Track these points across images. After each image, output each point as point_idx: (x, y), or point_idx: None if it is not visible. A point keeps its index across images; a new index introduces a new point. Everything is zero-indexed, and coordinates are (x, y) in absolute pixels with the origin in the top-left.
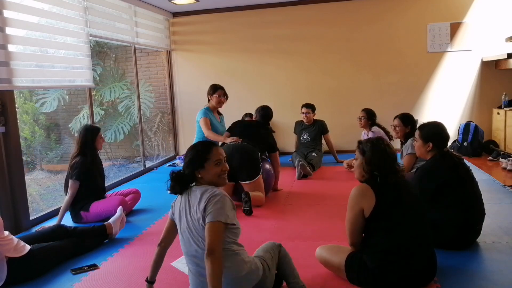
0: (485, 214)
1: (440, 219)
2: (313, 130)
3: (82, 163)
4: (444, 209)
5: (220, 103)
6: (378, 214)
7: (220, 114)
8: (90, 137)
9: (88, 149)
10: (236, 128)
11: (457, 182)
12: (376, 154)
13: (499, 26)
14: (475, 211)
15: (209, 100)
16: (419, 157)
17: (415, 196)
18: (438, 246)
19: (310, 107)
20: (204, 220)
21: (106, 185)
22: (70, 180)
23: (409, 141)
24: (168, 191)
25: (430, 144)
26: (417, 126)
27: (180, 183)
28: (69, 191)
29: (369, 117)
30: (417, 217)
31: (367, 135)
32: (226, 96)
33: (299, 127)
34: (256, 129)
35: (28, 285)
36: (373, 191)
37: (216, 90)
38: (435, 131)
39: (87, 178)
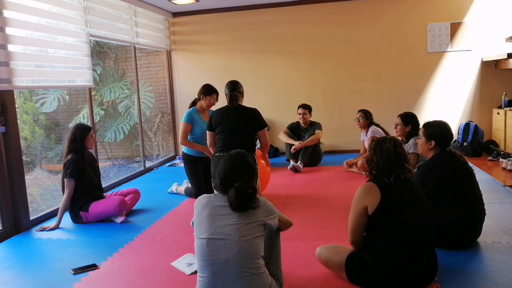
0: (485, 214)
1: (440, 218)
2: (311, 132)
3: (74, 160)
4: (444, 208)
5: (210, 106)
6: (380, 213)
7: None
8: (79, 135)
9: (78, 147)
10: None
11: (457, 181)
12: (382, 154)
13: (499, 26)
14: (475, 211)
15: (199, 99)
16: (421, 155)
17: (421, 196)
18: (438, 246)
19: (307, 108)
20: None
21: (106, 185)
22: (65, 179)
23: (411, 140)
24: None
25: (433, 142)
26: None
27: None
28: (66, 190)
29: (367, 117)
30: (420, 218)
31: (366, 135)
32: (217, 100)
33: (297, 129)
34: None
35: (27, 284)
36: (378, 189)
37: (211, 93)
38: (438, 129)
39: (82, 176)
